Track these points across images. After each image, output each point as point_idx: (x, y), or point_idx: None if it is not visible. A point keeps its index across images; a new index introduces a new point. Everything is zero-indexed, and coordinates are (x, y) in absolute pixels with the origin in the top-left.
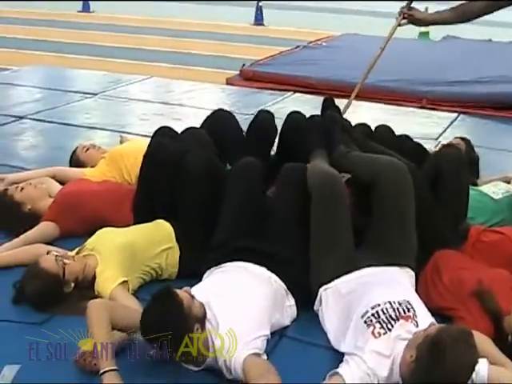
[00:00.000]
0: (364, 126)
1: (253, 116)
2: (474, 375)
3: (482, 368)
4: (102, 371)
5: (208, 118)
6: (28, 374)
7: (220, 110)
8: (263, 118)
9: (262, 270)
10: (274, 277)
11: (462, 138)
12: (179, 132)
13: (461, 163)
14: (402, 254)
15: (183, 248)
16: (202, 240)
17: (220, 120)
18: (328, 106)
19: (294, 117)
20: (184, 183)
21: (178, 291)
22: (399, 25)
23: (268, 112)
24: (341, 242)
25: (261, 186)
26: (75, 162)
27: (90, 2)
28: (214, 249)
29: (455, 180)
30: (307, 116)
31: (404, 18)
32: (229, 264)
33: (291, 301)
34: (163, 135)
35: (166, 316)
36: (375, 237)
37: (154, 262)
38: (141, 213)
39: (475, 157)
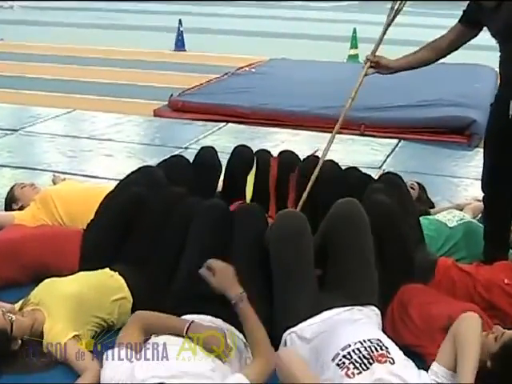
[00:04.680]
0: (332, 163)
1: (185, 150)
2: None
3: None
4: None
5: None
6: None
7: (175, 156)
8: (206, 156)
9: (219, 322)
10: (232, 329)
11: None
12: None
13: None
14: (364, 292)
15: (139, 295)
16: (163, 285)
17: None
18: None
19: (241, 151)
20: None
21: None
22: (366, 74)
23: (210, 148)
24: (306, 284)
25: (225, 229)
26: (9, 198)
27: None
28: (173, 294)
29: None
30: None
31: (371, 66)
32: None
33: (250, 354)
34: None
35: None
36: (336, 278)
37: (106, 312)
38: (93, 257)
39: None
